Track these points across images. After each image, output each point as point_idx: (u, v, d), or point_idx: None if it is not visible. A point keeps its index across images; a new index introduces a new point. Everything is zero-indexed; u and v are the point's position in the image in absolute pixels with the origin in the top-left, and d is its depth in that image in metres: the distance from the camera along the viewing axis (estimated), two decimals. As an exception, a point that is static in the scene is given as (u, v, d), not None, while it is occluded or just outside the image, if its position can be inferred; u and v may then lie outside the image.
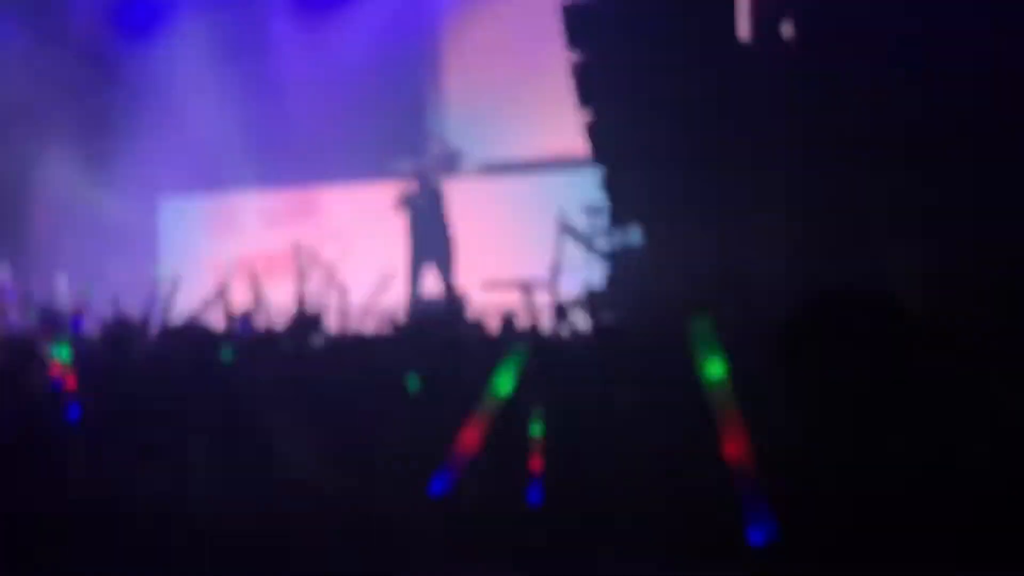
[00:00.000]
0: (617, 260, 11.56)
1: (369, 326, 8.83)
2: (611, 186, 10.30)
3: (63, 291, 11.18)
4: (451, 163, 15.70)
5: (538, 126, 16.62)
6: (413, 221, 14.29)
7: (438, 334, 8.13)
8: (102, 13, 18.10)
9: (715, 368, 2.74)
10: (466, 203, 14.71)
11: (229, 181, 17.04)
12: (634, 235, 11.81)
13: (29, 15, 16.32)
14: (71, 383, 5.83)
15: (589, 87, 10.04)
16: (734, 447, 2.76)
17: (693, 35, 9.83)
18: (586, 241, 11.71)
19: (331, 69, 17.72)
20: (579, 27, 10.00)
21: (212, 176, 16.82)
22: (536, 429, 4.34)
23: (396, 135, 16.87)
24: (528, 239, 11.84)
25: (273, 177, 17.23)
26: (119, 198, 17.27)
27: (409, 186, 14.44)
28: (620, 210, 10.73)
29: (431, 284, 13.72)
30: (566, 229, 11.20)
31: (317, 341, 7.09)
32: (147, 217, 17.53)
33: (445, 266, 13.67)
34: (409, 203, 14.35)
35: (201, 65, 17.11)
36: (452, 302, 9.18)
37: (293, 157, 18.42)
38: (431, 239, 14.05)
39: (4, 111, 15.83)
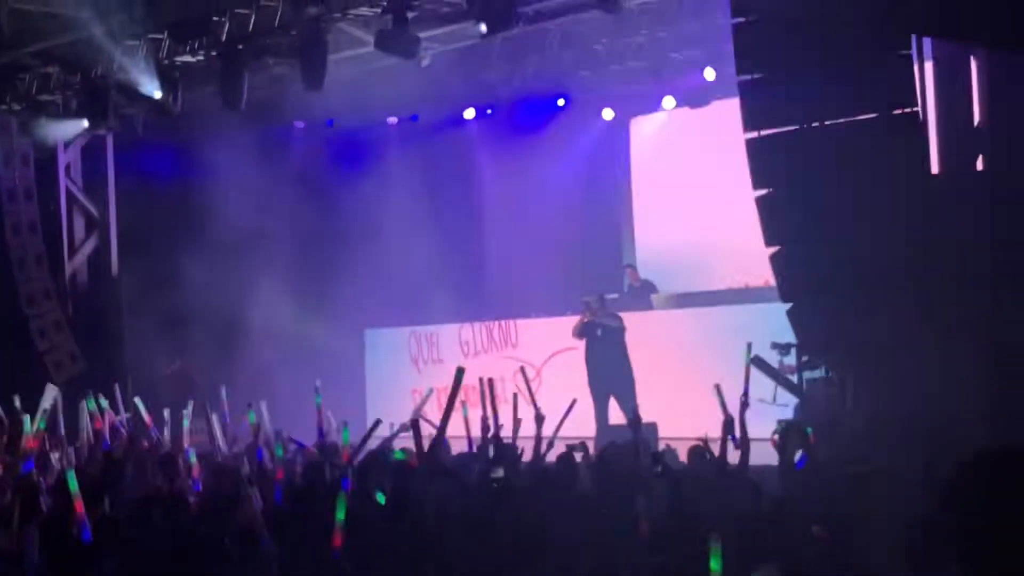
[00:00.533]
0: (807, 396, 11.44)
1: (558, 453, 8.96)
2: (798, 320, 10.26)
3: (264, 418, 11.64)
4: (644, 295, 15.90)
5: (728, 260, 16.76)
6: (591, 351, 14.45)
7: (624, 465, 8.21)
8: (321, 149, 19.15)
9: None
10: (658, 334, 14.85)
11: (432, 315, 17.62)
12: (824, 371, 11.70)
13: (257, 152, 17.30)
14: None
15: (775, 222, 10.12)
16: None
17: (883, 168, 9.85)
18: (777, 375, 11.60)
19: (530, 206, 18.28)
20: (765, 161, 10.13)
21: (416, 309, 17.38)
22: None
23: (591, 269, 17.23)
24: (718, 370, 11.82)
25: (472, 311, 17.74)
26: (329, 329, 18.05)
27: (586, 316, 14.62)
28: (807, 345, 10.66)
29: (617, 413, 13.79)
30: (757, 363, 11.13)
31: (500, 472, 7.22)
32: (354, 347, 18.18)
33: (626, 395, 13.78)
34: (587, 333, 14.52)
35: (407, 201, 17.88)
36: (637, 431, 9.23)
37: (492, 292, 18.97)
38: (610, 368, 14.20)
39: (232, 243, 16.79)
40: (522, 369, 11.37)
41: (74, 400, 11.32)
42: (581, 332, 14.73)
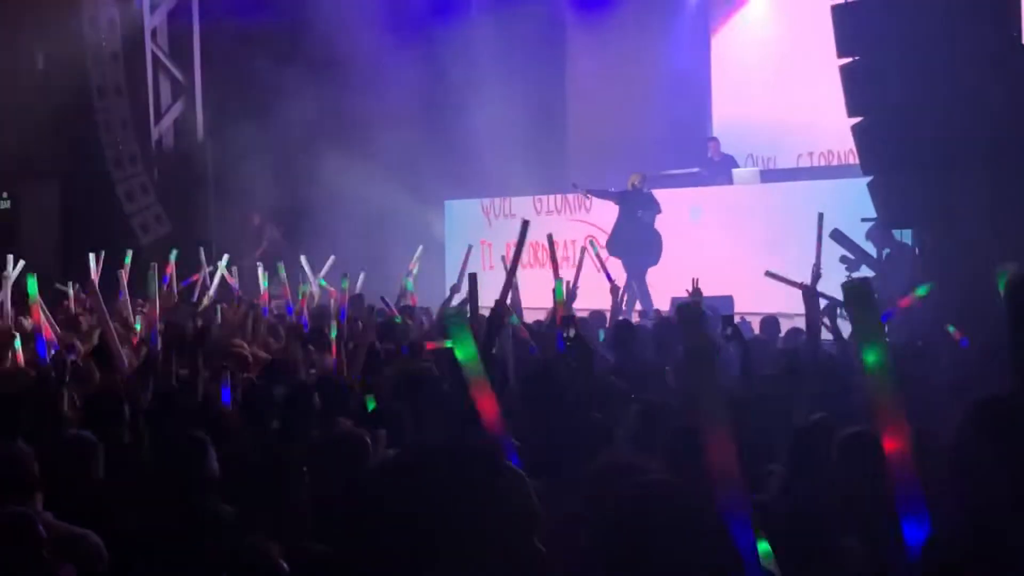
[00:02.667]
0: (886, 266, 11.35)
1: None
2: (880, 191, 10.11)
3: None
4: (725, 169, 15.73)
5: (808, 131, 16.50)
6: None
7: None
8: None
9: (874, 355, 2.51)
10: (740, 208, 14.72)
11: (509, 187, 17.62)
12: (904, 241, 11.58)
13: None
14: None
15: (859, 91, 9.91)
16: (894, 440, 2.50)
17: (974, 40, 9.58)
18: (856, 249, 11.51)
19: (614, 76, 18.09)
20: (850, 29, 9.90)
21: (494, 181, 17.37)
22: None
23: (676, 143, 17.07)
24: (794, 244, 11.69)
25: (550, 183, 17.71)
26: (412, 201, 18.17)
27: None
28: (889, 216, 10.50)
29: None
30: (834, 235, 11.05)
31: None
32: (435, 217, 18.25)
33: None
34: (625, 203, 14.49)
35: (488, 71, 17.76)
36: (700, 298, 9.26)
37: (572, 164, 18.88)
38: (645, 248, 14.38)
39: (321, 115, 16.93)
40: (590, 240, 11.30)
41: (159, 259, 11.63)
42: (621, 200, 14.78)
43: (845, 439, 4.02)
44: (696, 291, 9.75)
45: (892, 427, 2.52)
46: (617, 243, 14.53)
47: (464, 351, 3.66)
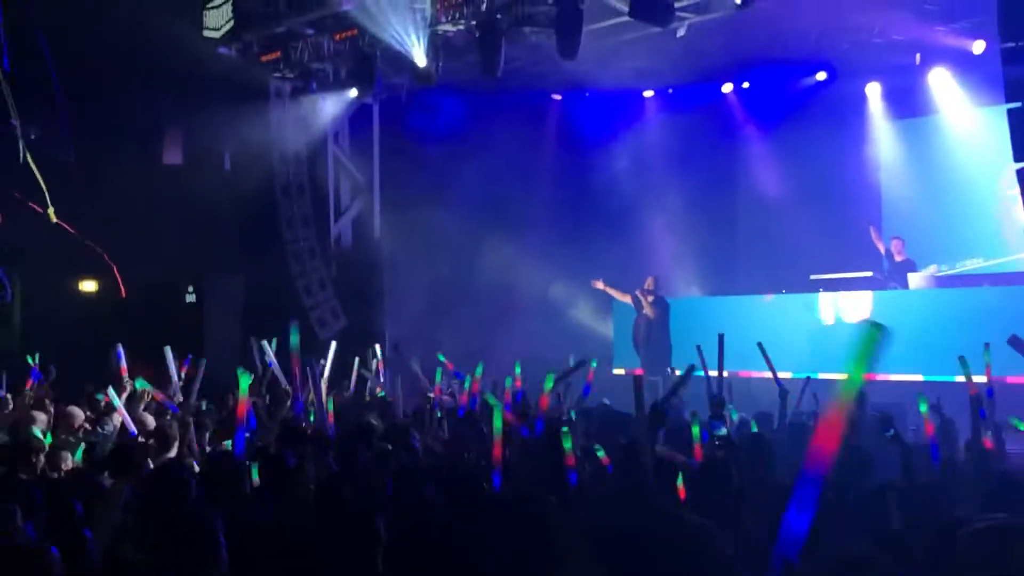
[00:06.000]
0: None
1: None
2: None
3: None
4: (902, 273, 15.43)
5: (979, 237, 16.19)
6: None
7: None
8: (577, 118, 19.39)
9: (854, 382, 2.92)
10: (917, 311, 14.43)
11: (679, 288, 17.70)
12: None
13: (515, 119, 17.83)
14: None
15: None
16: (826, 442, 2.92)
17: None
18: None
19: (784, 180, 18.06)
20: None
21: (666, 283, 17.43)
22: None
23: (844, 245, 16.88)
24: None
25: (722, 287, 17.75)
26: (580, 300, 18.39)
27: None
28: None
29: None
30: (1012, 341, 10.72)
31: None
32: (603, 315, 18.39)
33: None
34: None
35: (658, 172, 17.98)
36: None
37: (743, 269, 18.86)
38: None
39: (488, 208, 17.34)
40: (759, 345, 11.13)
41: (341, 356, 12.04)
42: (636, 306, 16.30)
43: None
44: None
45: (829, 430, 2.96)
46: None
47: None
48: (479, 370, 10.92)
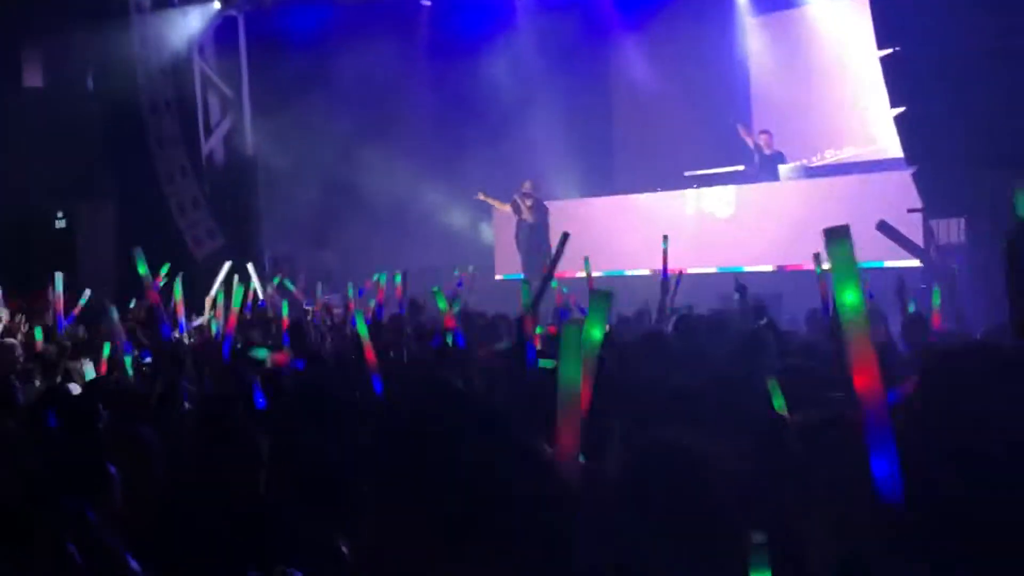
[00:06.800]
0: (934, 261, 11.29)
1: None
2: (921, 183, 10.09)
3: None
4: (772, 167, 15.68)
5: (847, 126, 16.51)
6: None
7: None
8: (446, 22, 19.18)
9: (850, 294, 2.60)
10: (787, 202, 14.70)
11: (556, 191, 17.77)
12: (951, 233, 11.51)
13: (386, 28, 17.61)
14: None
15: (900, 81, 9.89)
16: (864, 376, 2.53)
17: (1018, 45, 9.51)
18: (902, 240, 11.47)
19: (660, 78, 18.16)
20: (891, 19, 9.87)
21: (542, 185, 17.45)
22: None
23: (715, 140, 17.08)
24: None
25: (599, 187, 17.86)
26: (456, 206, 18.37)
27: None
28: (930, 207, 10.47)
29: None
30: (880, 227, 11.03)
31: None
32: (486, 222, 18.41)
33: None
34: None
35: (533, 75, 17.92)
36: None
37: (619, 168, 18.99)
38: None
39: (363, 116, 17.15)
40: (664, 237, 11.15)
41: (213, 274, 11.79)
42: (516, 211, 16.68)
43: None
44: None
45: (863, 365, 2.54)
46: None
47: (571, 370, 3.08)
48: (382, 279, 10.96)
